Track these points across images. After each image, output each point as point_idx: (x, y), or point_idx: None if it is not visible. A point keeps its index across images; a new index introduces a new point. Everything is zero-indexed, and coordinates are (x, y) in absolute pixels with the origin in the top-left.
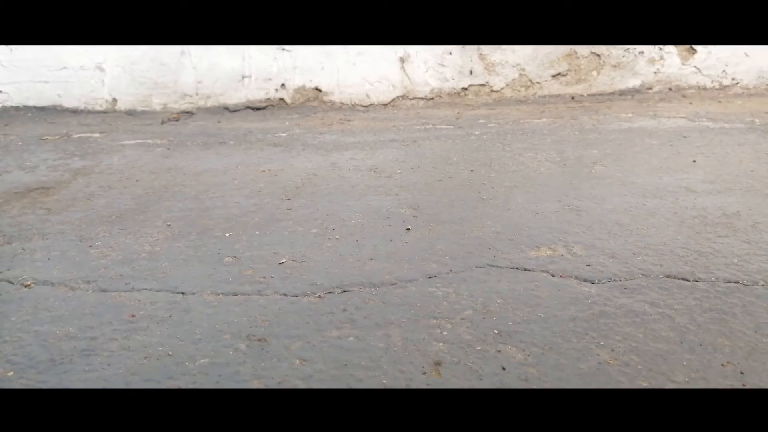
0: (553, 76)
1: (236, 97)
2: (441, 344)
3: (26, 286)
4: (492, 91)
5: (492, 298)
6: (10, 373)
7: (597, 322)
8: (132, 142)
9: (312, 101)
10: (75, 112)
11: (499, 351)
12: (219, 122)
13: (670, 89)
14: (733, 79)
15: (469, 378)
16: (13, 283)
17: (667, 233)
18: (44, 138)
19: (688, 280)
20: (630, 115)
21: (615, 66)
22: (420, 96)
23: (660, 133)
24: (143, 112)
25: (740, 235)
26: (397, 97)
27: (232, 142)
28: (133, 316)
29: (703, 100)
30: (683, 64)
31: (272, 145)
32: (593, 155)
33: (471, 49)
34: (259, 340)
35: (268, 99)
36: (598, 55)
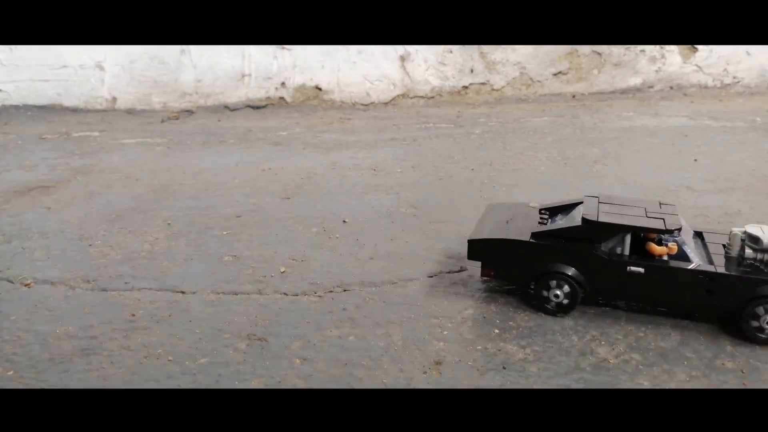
0: (554, 74)
1: (236, 95)
2: (442, 343)
3: (26, 285)
4: (493, 89)
5: (492, 296)
6: (10, 372)
7: (598, 320)
8: (132, 140)
9: (312, 100)
10: (75, 110)
11: (499, 350)
12: (219, 121)
13: (672, 88)
14: (734, 77)
15: (469, 377)
16: (12, 282)
17: None
18: (44, 137)
19: None
20: (631, 113)
21: (616, 64)
22: (420, 94)
23: (661, 131)
24: (143, 111)
25: None
26: (398, 95)
27: (232, 141)
28: (133, 315)
29: (704, 99)
30: (684, 62)
31: (272, 144)
32: (594, 154)
33: (471, 48)
34: (259, 339)
35: (268, 98)
36: (599, 54)
